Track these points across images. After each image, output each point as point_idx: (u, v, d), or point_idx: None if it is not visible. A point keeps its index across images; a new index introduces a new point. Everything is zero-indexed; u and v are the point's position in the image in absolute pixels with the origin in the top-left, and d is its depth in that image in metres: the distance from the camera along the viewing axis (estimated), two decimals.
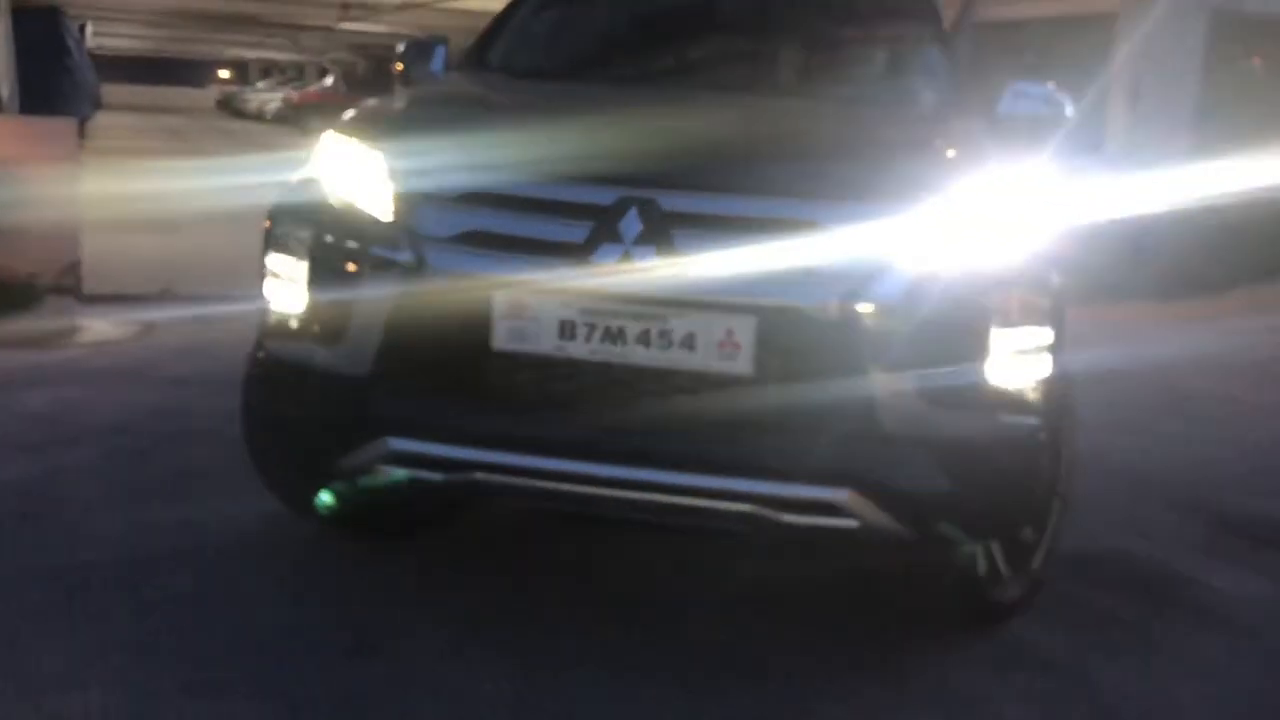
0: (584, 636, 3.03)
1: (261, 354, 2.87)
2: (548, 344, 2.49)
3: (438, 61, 3.86)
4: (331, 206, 2.76)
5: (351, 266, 2.65)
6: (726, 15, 4.14)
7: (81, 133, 9.25)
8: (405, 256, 2.57)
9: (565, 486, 2.56)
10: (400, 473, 2.63)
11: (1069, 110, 3.54)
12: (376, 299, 2.58)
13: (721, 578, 3.45)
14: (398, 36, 27.15)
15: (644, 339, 2.46)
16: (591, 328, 2.48)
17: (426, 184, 2.63)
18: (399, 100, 3.49)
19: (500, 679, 2.79)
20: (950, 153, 2.93)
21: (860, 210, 2.53)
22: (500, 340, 2.51)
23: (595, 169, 2.58)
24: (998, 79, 4.01)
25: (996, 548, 3.06)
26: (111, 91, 31.07)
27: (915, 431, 2.50)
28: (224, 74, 54.05)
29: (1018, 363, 2.57)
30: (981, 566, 3.05)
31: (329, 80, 34.01)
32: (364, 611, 3.10)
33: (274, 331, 2.81)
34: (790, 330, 2.46)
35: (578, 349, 2.48)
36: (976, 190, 2.65)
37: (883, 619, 3.26)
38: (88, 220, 7.01)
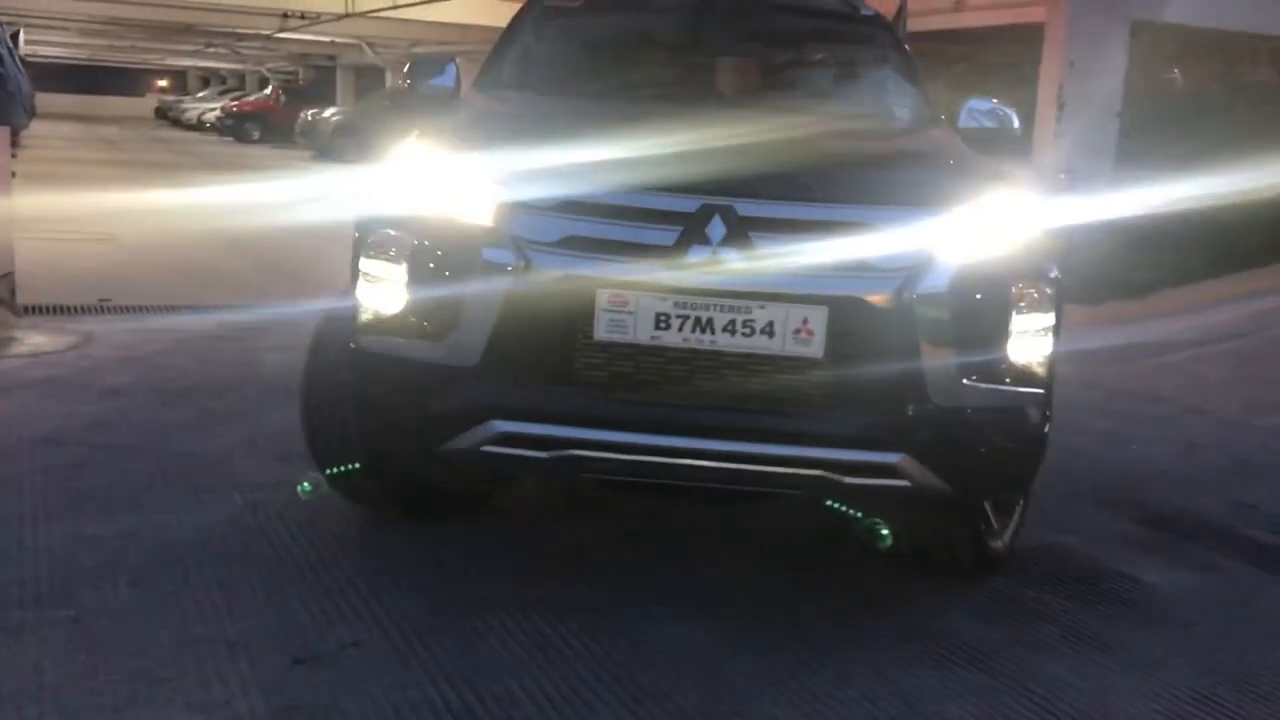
0: (531, 642, 3.05)
1: (353, 347, 3.08)
2: (644, 334, 2.82)
3: (449, 78, 4.05)
4: (430, 215, 2.99)
5: (458, 269, 2.90)
6: (724, 39, 4.56)
7: (15, 142, 9.09)
8: (512, 259, 2.85)
9: (656, 459, 2.88)
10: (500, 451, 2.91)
11: (1015, 123, 3.98)
12: (485, 297, 2.86)
13: (667, 580, 3.48)
14: (339, 45, 26.98)
15: (730, 328, 2.81)
16: (684, 319, 2.81)
17: (525, 194, 2.91)
18: (465, 116, 3.73)
19: (445, 686, 2.79)
20: (967, 164, 3.37)
21: (904, 214, 2.94)
22: (601, 331, 2.82)
23: (677, 180, 2.89)
24: (931, 90, 4.26)
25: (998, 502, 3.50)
26: (47, 101, 30.48)
27: (955, 402, 2.92)
28: (162, 83, 53.30)
29: (1031, 342, 3.00)
30: (986, 520, 3.47)
31: (269, 90, 33.68)
32: (310, 621, 3.08)
33: (370, 328, 3.03)
34: (855, 318, 2.84)
35: (671, 338, 2.82)
36: (995, 196, 3.09)
37: (824, 618, 3.30)
38: (22, 230, 6.89)
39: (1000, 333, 2.95)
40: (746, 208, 2.84)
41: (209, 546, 3.52)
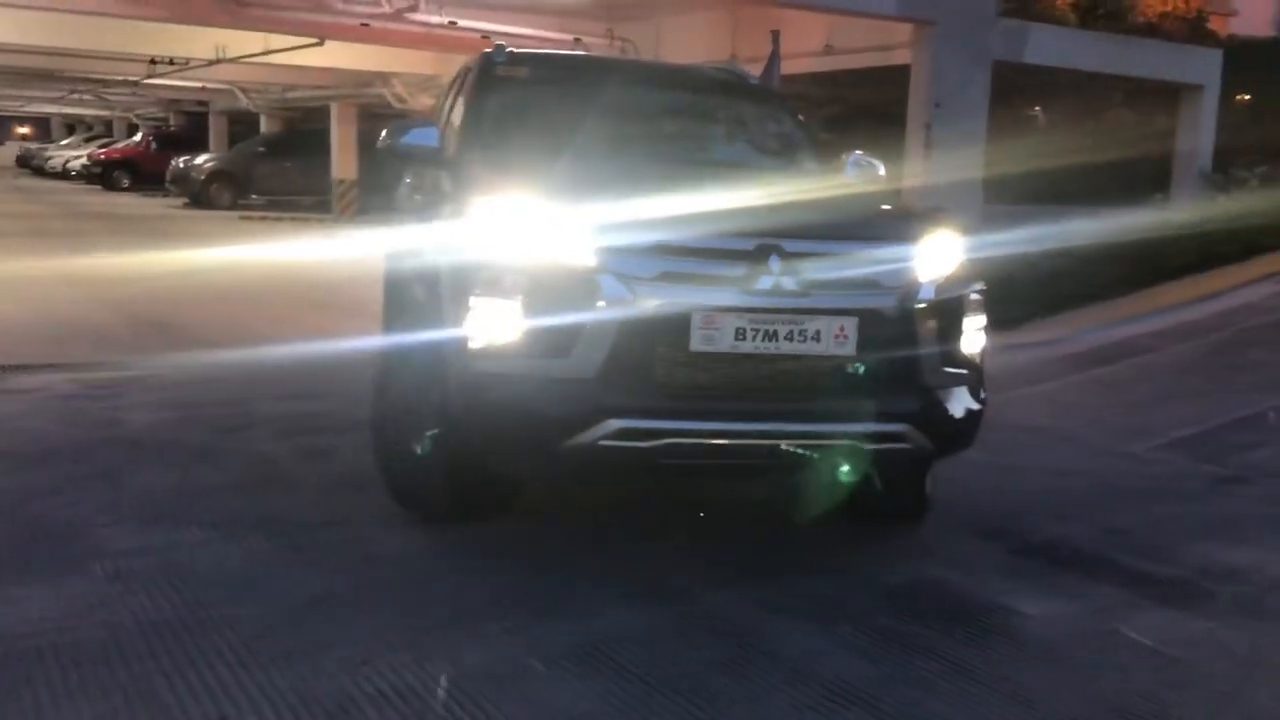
0: (410, 709, 2.94)
1: (465, 369, 3.65)
2: (725, 345, 3.60)
3: (431, 138, 4.67)
4: (544, 259, 3.59)
5: (576, 301, 3.55)
6: (660, 108, 5.47)
7: None
8: (622, 291, 3.54)
9: (733, 441, 3.65)
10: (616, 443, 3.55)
11: (881, 170, 5.02)
12: (602, 322, 3.53)
13: (549, 635, 3.41)
14: (211, 91, 26.38)
15: (790, 336, 3.63)
16: (757, 331, 3.61)
17: (624, 240, 3.58)
18: (516, 174, 4.17)
19: None
20: (914, 208, 4.38)
21: (895, 246, 3.85)
22: (695, 344, 3.58)
23: (736, 225, 3.68)
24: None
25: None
26: None
27: (938, 382, 3.89)
28: (23, 130, 51.48)
29: (977, 336, 4.02)
30: (927, 474, 4.42)
31: (139, 136, 32.78)
32: (174, 699, 2.92)
33: (485, 353, 3.62)
34: (876, 323, 3.73)
35: (746, 346, 3.61)
36: (943, 229, 4.00)
37: (709, 667, 3.27)
38: None
39: (958, 331, 3.93)
40: (791, 245, 3.64)
41: (65, 622, 3.33)
